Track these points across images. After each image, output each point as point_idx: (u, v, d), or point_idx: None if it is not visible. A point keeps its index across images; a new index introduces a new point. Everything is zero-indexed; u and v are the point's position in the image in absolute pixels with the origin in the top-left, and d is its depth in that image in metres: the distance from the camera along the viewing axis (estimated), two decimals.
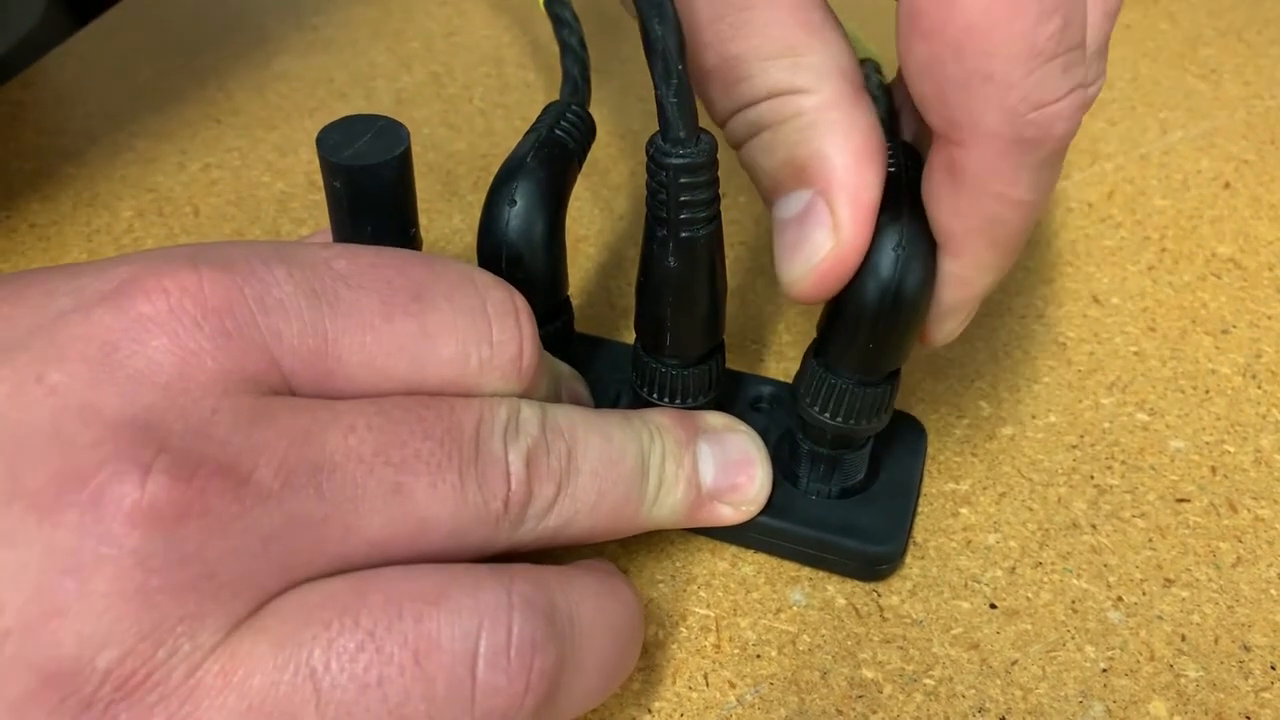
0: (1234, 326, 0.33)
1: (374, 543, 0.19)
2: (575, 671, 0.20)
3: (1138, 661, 0.24)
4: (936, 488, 0.28)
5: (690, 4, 0.21)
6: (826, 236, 0.22)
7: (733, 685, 0.24)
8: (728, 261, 0.24)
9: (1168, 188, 0.38)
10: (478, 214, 0.25)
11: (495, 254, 0.24)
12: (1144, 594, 0.26)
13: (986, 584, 0.26)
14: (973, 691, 0.24)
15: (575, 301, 0.29)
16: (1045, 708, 0.24)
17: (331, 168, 0.23)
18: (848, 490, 0.26)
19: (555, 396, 0.25)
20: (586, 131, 0.27)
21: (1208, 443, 0.29)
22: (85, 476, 0.17)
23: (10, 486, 0.17)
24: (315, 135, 0.23)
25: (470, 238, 0.36)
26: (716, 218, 0.23)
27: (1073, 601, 0.26)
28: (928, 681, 0.24)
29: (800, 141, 0.22)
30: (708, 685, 0.24)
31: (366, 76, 0.43)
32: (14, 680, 0.16)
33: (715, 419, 0.25)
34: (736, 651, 0.25)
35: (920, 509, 0.28)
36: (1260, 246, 0.36)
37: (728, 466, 0.25)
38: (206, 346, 0.19)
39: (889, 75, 0.26)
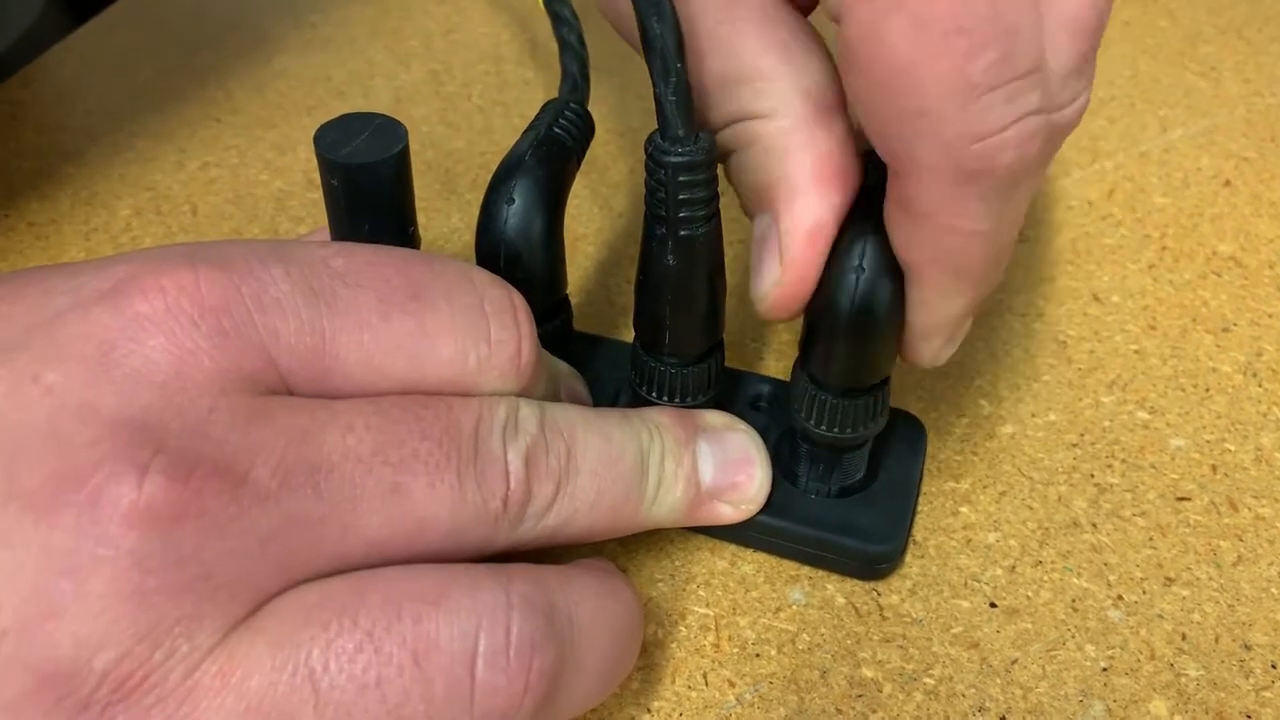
0: (1234, 324, 0.33)
1: (372, 543, 0.19)
2: (574, 671, 0.20)
3: (1138, 660, 0.24)
4: (936, 486, 0.28)
5: None
6: (775, 264, 0.22)
7: (732, 684, 0.24)
8: (727, 259, 0.24)
9: (1168, 185, 0.38)
10: (476, 212, 0.25)
11: (493, 252, 0.24)
12: (1144, 593, 0.26)
13: (986, 583, 0.26)
14: (973, 690, 0.24)
15: (574, 300, 0.29)
16: (1045, 707, 0.24)
17: (329, 166, 0.23)
18: (847, 489, 0.26)
19: (554, 395, 0.25)
20: (585, 129, 0.26)
21: (1208, 441, 0.29)
22: (82, 477, 0.17)
23: (7, 486, 0.17)
24: (313, 133, 0.23)
25: (469, 236, 0.36)
26: (716, 216, 0.23)
27: (1073, 600, 0.26)
28: (927, 680, 0.24)
29: (758, 167, 0.22)
30: (707, 684, 0.24)
31: (365, 75, 0.43)
32: (10, 681, 0.16)
33: (715, 417, 0.25)
34: (736, 650, 0.25)
35: (920, 508, 0.28)
36: (1261, 244, 0.36)
37: (727, 465, 0.24)
38: (203, 345, 0.18)
39: None
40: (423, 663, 0.18)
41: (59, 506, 0.17)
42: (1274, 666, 0.24)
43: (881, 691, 0.24)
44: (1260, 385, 0.31)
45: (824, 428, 0.24)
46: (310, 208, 0.37)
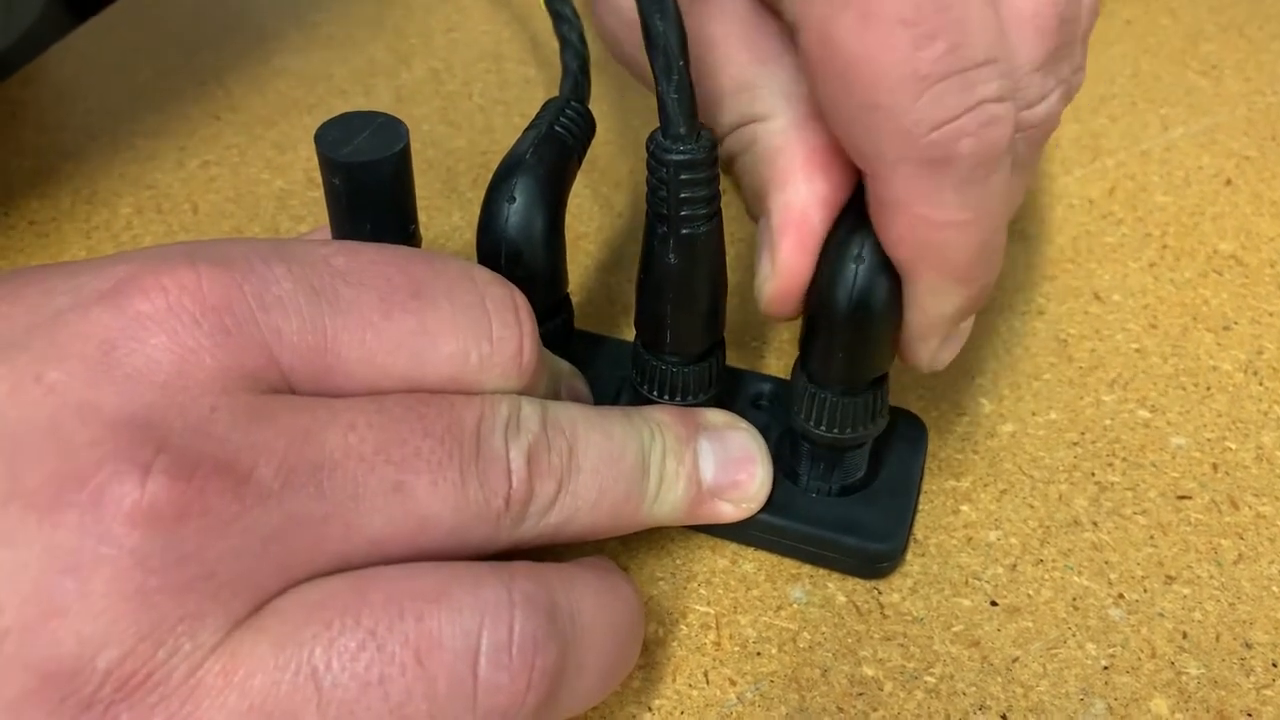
0: (1235, 323, 0.33)
1: (375, 541, 0.19)
2: (576, 669, 0.20)
3: (1139, 659, 0.24)
4: (937, 485, 0.28)
5: None
6: (769, 263, 0.23)
7: (733, 683, 0.24)
8: (728, 258, 0.24)
9: (1169, 184, 0.38)
10: (477, 211, 0.25)
11: (495, 251, 0.24)
12: (1145, 591, 0.26)
13: (987, 581, 0.26)
14: (973, 689, 0.24)
15: (575, 298, 0.29)
16: (1046, 705, 0.24)
17: (330, 164, 0.23)
18: (848, 488, 0.26)
19: (555, 394, 0.25)
20: (586, 128, 0.26)
21: (1209, 439, 0.29)
22: (84, 476, 0.17)
23: (9, 486, 0.17)
24: (314, 132, 0.23)
25: (470, 235, 0.36)
26: (717, 214, 0.23)
27: (1074, 599, 0.26)
28: (928, 679, 0.24)
29: (756, 168, 0.23)
30: (708, 683, 0.24)
31: (366, 73, 0.43)
32: (13, 680, 0.16)
33: (716, 416, 0.25)
34: (737, 649, 0.25)
35: (921, 506, 0.28)
36: (1261, 243, 0.36)
37: (728, 464, 0.24)
38: (205, 344, 0.18)
39: None
40: (425, 661, 0.18)
41: (61, 506, 0.17)
42: (1275, 665, 0.24)
43: (882, 690, 0.24)
44: (1261, 384, 0.31)
45: (823, 428, 0.24)
46: (311, 206, 0.37)
